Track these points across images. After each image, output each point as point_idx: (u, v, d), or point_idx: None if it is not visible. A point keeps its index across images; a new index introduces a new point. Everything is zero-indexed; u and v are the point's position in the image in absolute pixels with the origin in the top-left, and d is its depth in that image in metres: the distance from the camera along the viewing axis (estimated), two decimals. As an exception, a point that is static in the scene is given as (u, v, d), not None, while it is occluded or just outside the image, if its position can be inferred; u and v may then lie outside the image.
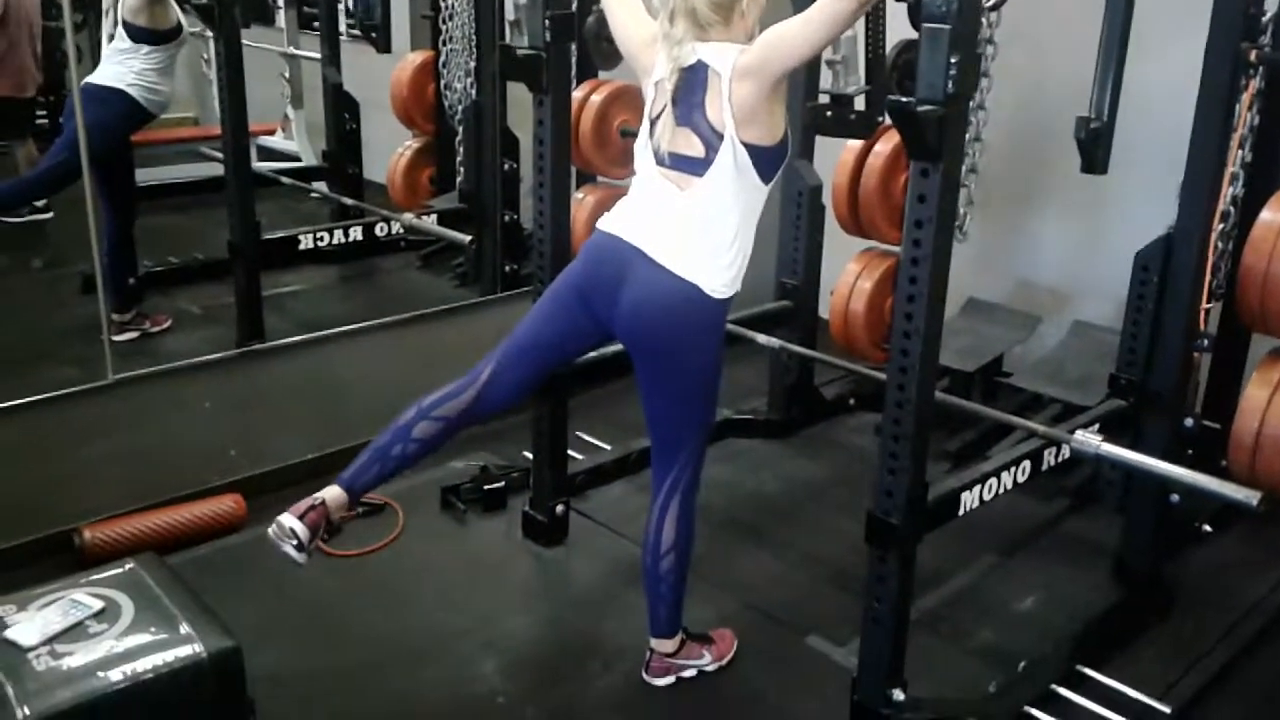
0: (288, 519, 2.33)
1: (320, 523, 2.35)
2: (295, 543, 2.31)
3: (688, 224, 2.35)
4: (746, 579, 3.14)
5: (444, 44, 4.87)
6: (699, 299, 2.35)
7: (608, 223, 2.46)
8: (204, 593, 2.30)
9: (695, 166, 2.33)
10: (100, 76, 3.95)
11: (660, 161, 2.37)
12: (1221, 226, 2.88)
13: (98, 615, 2.15)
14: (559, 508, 3.25)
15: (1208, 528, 3.24)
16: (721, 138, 2.29)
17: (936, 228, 2.13)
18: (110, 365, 3.31)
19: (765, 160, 2.31)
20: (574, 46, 3.60)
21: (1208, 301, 2.84)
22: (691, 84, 2.31)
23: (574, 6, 2.96)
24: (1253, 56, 2.67)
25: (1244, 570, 3.24)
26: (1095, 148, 2.82)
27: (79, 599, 2.18)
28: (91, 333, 3.42)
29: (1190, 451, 2.97)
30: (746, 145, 2.28)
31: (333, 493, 2.41)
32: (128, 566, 2.31)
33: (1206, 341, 2.94)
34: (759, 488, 3.71)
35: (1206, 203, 2.74)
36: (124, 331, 4.08)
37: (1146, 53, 2.99)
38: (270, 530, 2.35)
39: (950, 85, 2.00)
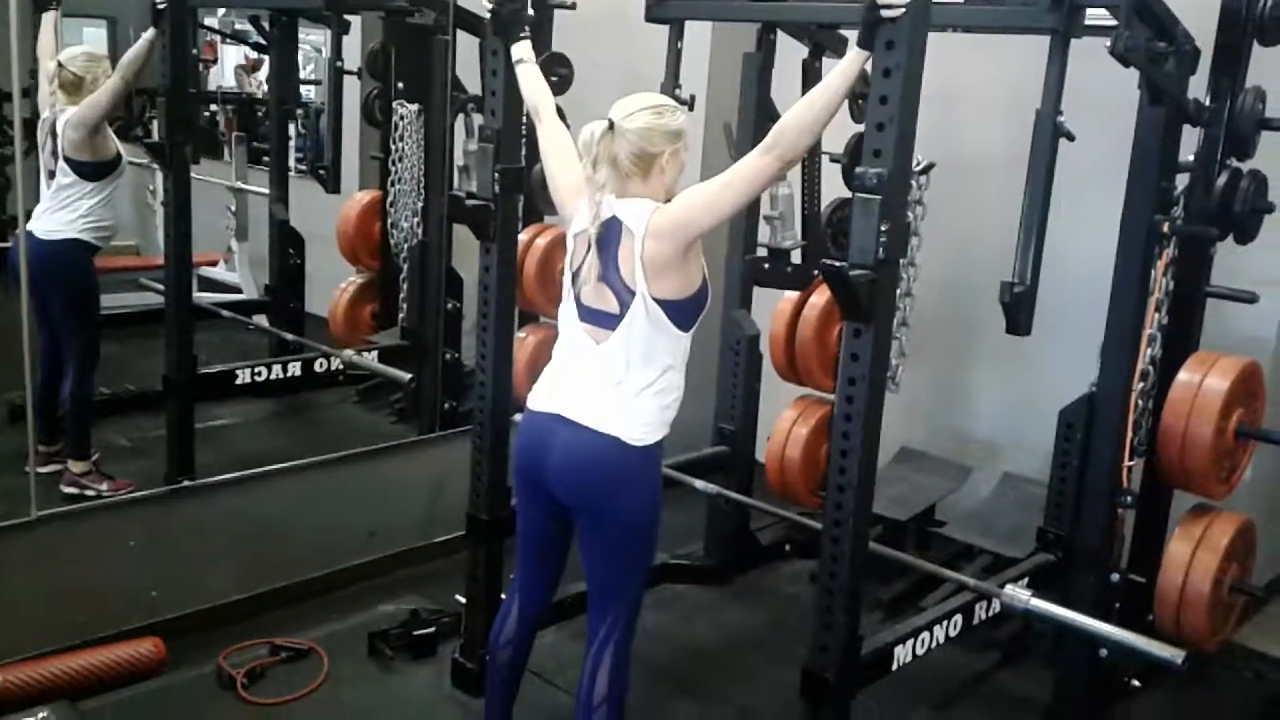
0: None
1: None
2: None
3: (601, 377, 2.39)
4: (680, 731, 3.10)
5: (392, 184, 4.96)
6: (619, 449, 2.37)
7: (531, 400, 2.52)
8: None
9: (609, 321, 2.38)
10: (49, 224, 3.79)
11: (581, 316, 2.43)
12: (1141, 386, 2.99)
13: (5, 768, 2.07)
14: (491, 655, 3.18)
15: (1136, 682, 3.26)
16: (634, 294, 2.34)
17: (869, 385, 2.19)
18: (35, 500, 3.23)
19: (680, 312, 2.36)
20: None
21: (1130, 458, 2.94)
22: (607, 239, 2.38)
23: (522, 160, 3.05)
24: (1166, 228, 2.83)
25: (1172, 726, 3.27)
26: (1018, 310, 2.91)
27: (-13, 750, 2.10)
28: (16, 464, 3.35)
29: (1118, 605, 3.02)
30: (659, 300, 2.33)
31: None
32: (40, 716, 2.23)
33: (1130, 498, 3.02)
34: (694, 636, 3.68)
35: (1126, 363, 2.85)
36: (50, 463, 3.99)
37: (1068, 220, 3.14)
38: None
39: (881, 251, 2.10)
